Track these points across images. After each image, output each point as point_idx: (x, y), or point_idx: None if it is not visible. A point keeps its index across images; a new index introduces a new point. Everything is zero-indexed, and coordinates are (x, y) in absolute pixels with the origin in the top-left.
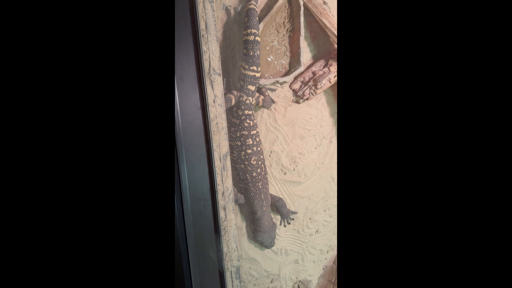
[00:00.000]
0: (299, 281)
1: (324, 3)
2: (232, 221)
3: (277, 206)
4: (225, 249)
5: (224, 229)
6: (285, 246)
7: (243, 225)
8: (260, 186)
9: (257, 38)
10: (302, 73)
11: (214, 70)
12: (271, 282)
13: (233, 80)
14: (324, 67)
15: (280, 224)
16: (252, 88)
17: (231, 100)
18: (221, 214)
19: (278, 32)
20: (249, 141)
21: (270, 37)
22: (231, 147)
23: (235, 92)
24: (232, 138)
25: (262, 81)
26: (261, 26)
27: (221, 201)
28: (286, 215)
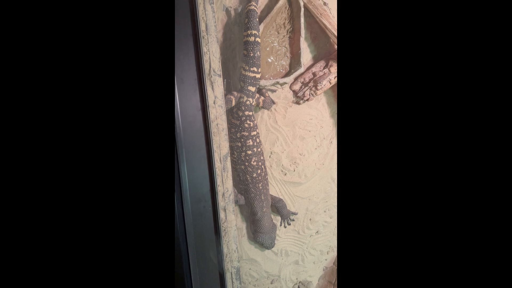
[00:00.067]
0: (299, 282)
1: (325, 4)
2: (232, 222)
3: (277, 207)
4: (225, 250)
5: (224, 230)
6: (285, 247)
7: (243, 226)
8: (261, 187)
9: (257, 39)
10: (302, 74)
11: (214, 71)
12: (271, 283)
13: (234, 81)
14: (324, 68)
15: (281, 225)
16: (253, 89)
17: (232, 101)
18: (221, 215)
19: (278, 33)
20: (249, 142)
21: (270, 38)
22: (232, 148)
23: (235, 93)
24: (232, 139)
25: (263, 82)
26: (261, 27)
27: (221, 202)
28: (286, 216)
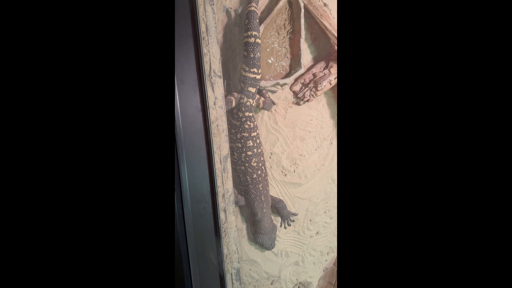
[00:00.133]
0: (299, 283)
1: (325, 5)
2: (232, 223)
3: (278, 207)
4: (225, 251)
5: (225, 231)
6: (286, 247)
7: (243, 226)
8: (261, 188)
9: (257, 40)
10: (302, 75)
11: (214, 72)
12: (271, 284)
13: (234, 82)
14: (324, 69)
15: (281, 225)
16: (253, 90)
17: (232, 102)
18: (222, 216)
19: (278, 34)
20: (249, 143)
21: (270, 39)
22: (232, 149)
23: (235, 94)
24: (232, 140)
25: (263, 83)
26: (261, 28)
27: (221, 203)
28: (286, 216)
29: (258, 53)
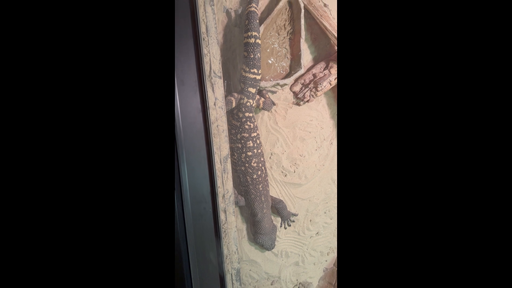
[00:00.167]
0: (299, 283)
1: (325, 5)
2: (232, 223)
3: (278, 208)
4: (225, 251)
5: (225, 231)
6: (286, 248)
7: (243, 227)
8: (261, 188)
9: (257, 40)
10: (302, 75)
11: (214, 73)
12: (271, 284)
13: (234, 83)
14: (324, 69)
15: (281, 226)
16: (253, 90)
17: (232, 103)
18: (222, 216)
19: (278, 34)
20: (249, 143)
21: (270, 40)
22: (232, 149)
23: (235, 94)
24: (232, 140)
25: (263, 83)
26: (261, 28)
27: (221, 204)
28: (286, 217)
29: (258, 54)
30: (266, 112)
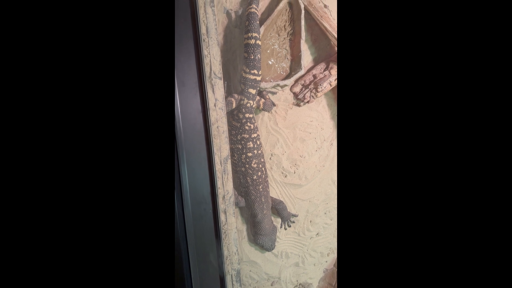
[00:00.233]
0: (299, 284)
1: (325, 6)
2: (232, 224)
3: (278, 209)
4: (225, 252)
5: (225, 232)
6: (286, 249)
7: (243, 228)
8: (261, 189)
9: (258, 41)
10: (302, 76)
11: (215, 74)
12: (271, 285)
13: (234, 84)
14: (324, 70)
15: (281, 227)
16: (253, 91)
17: (232, 104)
18: (222, 217)
19: (279, 35)
20: (249, 144)
21: (271, 40)
22: (232, 150)
23: (236, 95)
24: (233, 141)
25: (263, 84)
26: (262, 29)
27: (221, 205)
28: (286, 218)
29: (259, 55)
30: (266, 113)
